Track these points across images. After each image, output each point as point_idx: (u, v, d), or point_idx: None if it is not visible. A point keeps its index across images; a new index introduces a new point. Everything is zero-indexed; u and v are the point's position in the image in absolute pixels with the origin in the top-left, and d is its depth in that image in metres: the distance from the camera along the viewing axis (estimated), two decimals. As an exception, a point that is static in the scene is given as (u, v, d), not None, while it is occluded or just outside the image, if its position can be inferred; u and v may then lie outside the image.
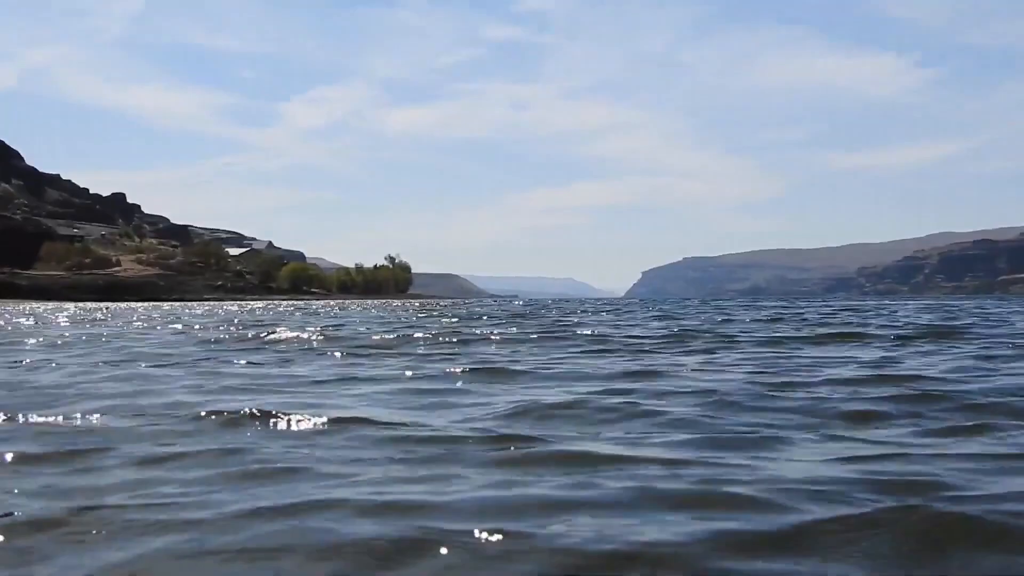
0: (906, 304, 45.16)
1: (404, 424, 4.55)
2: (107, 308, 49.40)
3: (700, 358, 9.22)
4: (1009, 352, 9.45)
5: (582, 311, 34.36)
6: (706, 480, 3.20)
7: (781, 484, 3.11)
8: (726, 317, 23.14)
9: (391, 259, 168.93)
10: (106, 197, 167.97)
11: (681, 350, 10.50)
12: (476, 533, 2.56)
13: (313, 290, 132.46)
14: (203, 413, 4.93)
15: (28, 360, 9.52)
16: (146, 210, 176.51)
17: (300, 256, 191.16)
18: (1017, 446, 3.93)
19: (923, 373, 7.10)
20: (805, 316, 23.41)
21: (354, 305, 64.20)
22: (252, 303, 76.58)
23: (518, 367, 8.08)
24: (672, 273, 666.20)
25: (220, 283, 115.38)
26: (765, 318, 21.84)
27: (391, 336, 14.11)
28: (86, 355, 10.44)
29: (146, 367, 8.58)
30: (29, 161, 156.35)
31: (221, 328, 18.49)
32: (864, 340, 11.93)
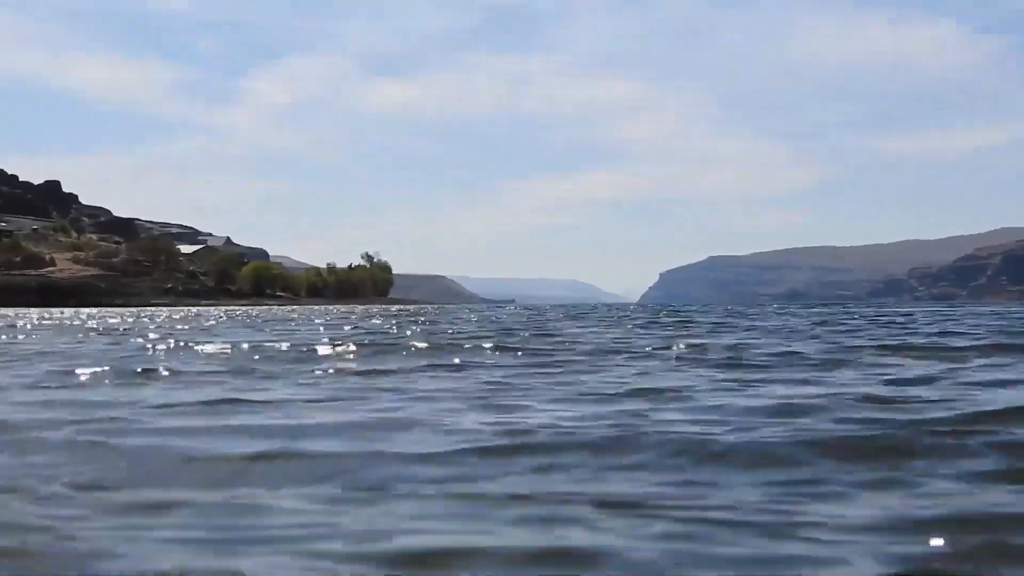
0: (977, 311, 44.72)
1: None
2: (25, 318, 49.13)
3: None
4: None
5: (587, 321, 34.02)
6: None
7: None
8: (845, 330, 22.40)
9: (369, 258, 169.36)
10: (38, 186, 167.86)
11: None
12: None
13: (278, 293, 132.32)
14: None
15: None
16: (84, 201, 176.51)
17: (263, 254, 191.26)
18: None
19: None
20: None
21: (318, 311, 63.92)
22: (206, 308, 76.30)
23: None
24: (693, 274, 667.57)
25: (170, 285, 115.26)
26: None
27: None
28: None
29: None
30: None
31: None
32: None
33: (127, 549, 2.95)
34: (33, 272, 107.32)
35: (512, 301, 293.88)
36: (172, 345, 15.58)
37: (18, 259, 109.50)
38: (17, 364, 11.57)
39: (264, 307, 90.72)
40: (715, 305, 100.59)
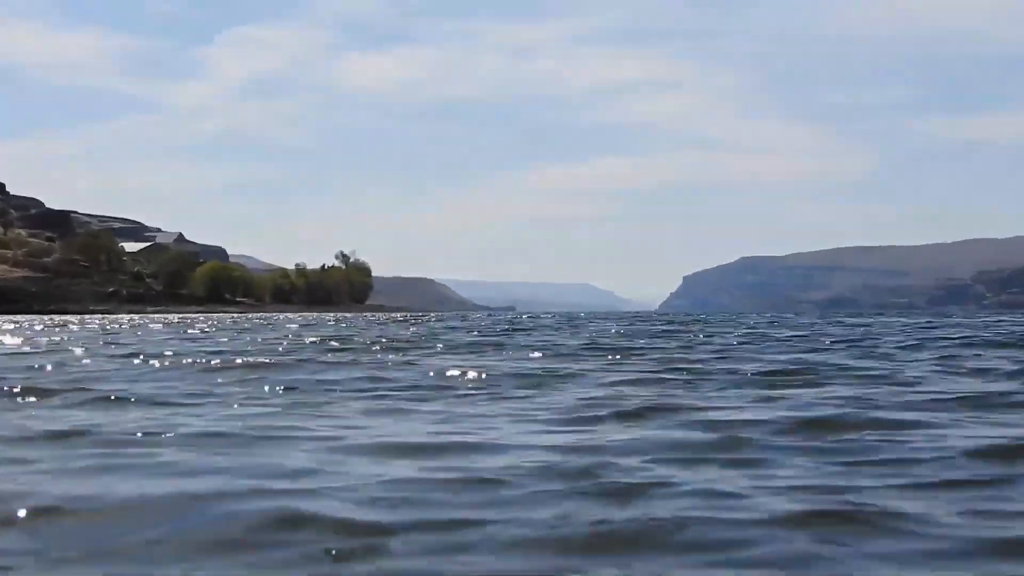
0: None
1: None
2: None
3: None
4: None
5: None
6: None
7: None
8: None
9: (344, 258, 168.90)
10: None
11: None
12: None
13: (239, 299, 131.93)
14: None
15: None
16: (12, 190, 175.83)
17: (221, 254, 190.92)
18: None
19: None
20: None
21: (278, 318, 63.34)
22: (150, 316, 75.53)
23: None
24: (723, 278, 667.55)
25: (113, 289, 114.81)
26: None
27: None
28: None
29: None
30: None
31: None
32: None
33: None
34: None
35: (512, 308, 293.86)
36: None
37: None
38: None
39: (222, 314, 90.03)
40: (750, 312, 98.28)
